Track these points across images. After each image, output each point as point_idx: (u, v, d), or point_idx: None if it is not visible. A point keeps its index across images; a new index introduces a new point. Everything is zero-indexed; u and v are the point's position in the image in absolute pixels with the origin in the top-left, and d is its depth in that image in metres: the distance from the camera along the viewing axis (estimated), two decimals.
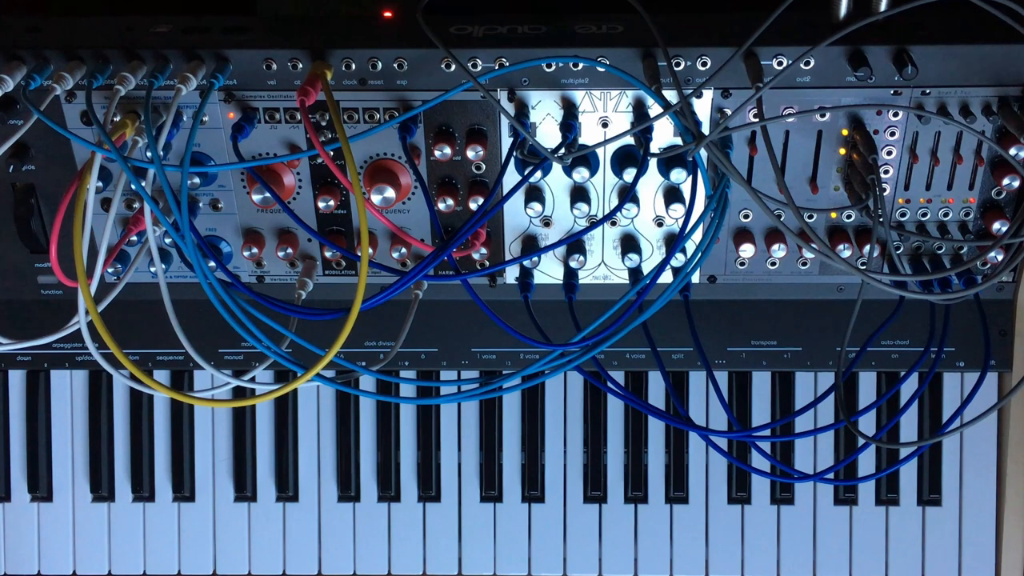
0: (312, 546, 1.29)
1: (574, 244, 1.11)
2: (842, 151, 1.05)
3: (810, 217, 1.09)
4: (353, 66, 1.00)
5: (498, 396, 1.27)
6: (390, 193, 1.03)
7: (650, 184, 1.08)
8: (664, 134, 1.04)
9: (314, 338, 1.00)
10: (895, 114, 1.02)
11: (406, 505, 1.28)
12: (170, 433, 1.28)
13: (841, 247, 1.09)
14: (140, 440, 1.28)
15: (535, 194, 1.08)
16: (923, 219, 1.09)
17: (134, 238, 1.04)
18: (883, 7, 0.96)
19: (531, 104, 1.02)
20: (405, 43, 0.99)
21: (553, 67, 0.99)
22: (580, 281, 1.12)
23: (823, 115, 1.03)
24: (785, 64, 0.97)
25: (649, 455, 1.27)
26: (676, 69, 0.98)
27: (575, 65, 0.99)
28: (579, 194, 1.07)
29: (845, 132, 1.04)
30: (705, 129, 1.02)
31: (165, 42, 1.00)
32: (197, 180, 1.06)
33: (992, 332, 1.16)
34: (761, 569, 1.27)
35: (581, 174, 1.02)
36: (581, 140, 1.04)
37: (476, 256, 1.11)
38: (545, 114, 1.03)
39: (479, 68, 0.99)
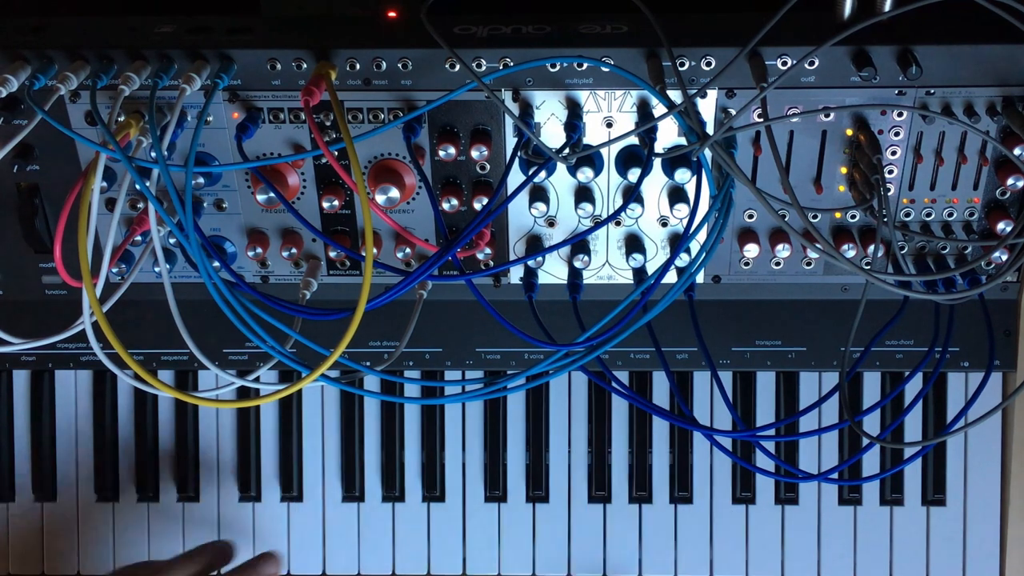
0: (316, 546, 1.29)
1: (578, 244, 1.11)
2: (846, 151, 1.05)
3: (814, 217, 1.09)
4: (357, 66, 1.00)
5: (502, 396, 1.27)
6: (394, 193, 1.03)
7: (654, 184, 1.08)
8: (668, 134, 1.04)
9: (318, 338, 1.00)
10: (899, 114, 1.02)
11: (410, 505, 1.28)
12: (174, 433, 1.29)
13: (845, 247, 1.09)
14: (144, 440, 1.28)
15: (539, 194, 1.08)
16: (927, 219, 1.09)
17: (138, 238, 1.04)
18: (887, 7, 0.96)
19: (535, 104, 1.02)
20: (409, 43, 0.99)
21: (557, 67, 0.99)
22: (584, 281, 1.12)
23: (827, 115, 1.02)
24: (789, 64, 0.97)
25: (653, 455, 1.27)
26: (680, 69, 0.98)
27: (579, 65, 0.99)
28: (583, 194, 1.07)
29: (849, 132, 1.04)
30: (709, 129, 1.02)
31: (169, 42, 1.00)
32: (201, 180, 1.06)
33: (996, 332, 1.16)
34: (765, 569, 1.27)
35: (585, 174, 1.02)
36: (585, 140, 1.04)
37: (480, 256, 1.11)
38: (549, 114, 1.03)
39: (483, 68, 0.99)
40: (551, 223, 1.11)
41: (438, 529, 1.28)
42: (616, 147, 1.06)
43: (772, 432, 1.21)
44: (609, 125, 1.04)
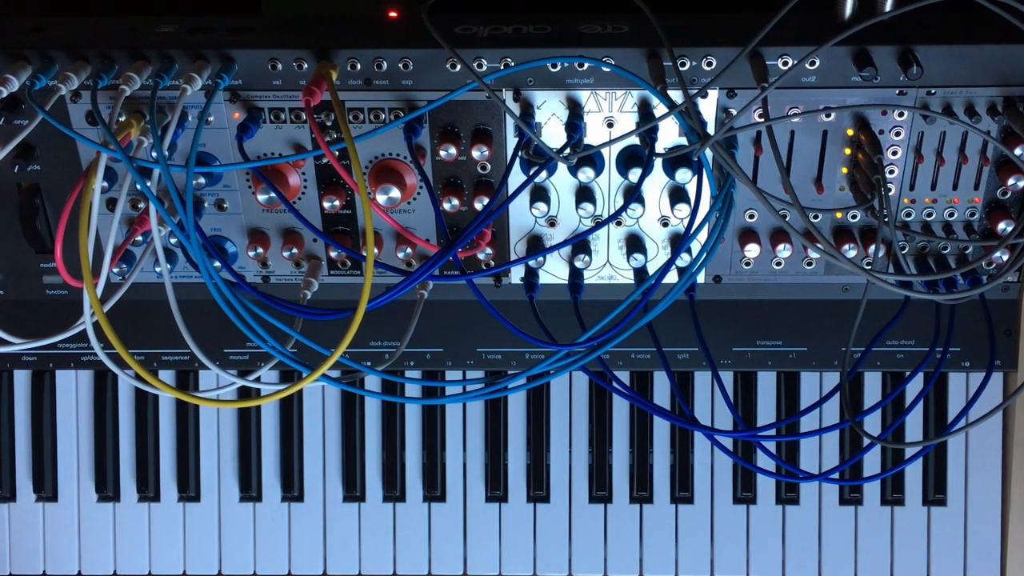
0: (317, 546, 1.29)
1: (579, 244, 1.11)
2: (847, 151, 1.05)
3: (815, 217, 1.09)
4: (358, 66, 1.00)
5: (503, 396, 1.27)
6: (395, 193, 1.03)
7: (655, 184, 1.08)
8: (669, 134, 1.04)
9: (319, 338, 1.00)
10: (900, 114, 1.02)
11: (411, 505, 1.28)
12: (175, 433, 1.29)
13: (846, 247, 1.09)
14: (145, 440, 1.28)
15: (540, 194, 1.08)
16: (928, 219, 1.09)
17: (139, 238, 1.04)
18: (888, 7, 0.96)
19: (536, 104, 1.02)
20: (410, 43, 0.99)
21: (558, 67, 0.99)
22: (585, 281, 1.12)
23: (828, 115, 1.02)
24: (790, 64, 0.97)
25: (654, 455, 1.27)
26: (681, 69, 0.98)
27: (580, 65, 0.99)
28: (584, 194, 1.07)
29: (850, 132, 1.04)
30: (710, 129, 1.02)
31: (170, 42, 1.00)
32: (202, 180, 1.06)
33: (997, 332, 1.16)
34: (766, 569, 1.27)
35: (586, 174, 1.02)
36: (586, 140, 1.04)
37: (481, 256, 1.11)
38: (550, 114, 1.03)
39: (484, 68, 0.99)
40: (552, 223, 1.11)
41: (439, 529, 1.28)
42: (617, 147, 1.06)
43: (773, 432, 1.21)
44: (610, 125, 1.04)
